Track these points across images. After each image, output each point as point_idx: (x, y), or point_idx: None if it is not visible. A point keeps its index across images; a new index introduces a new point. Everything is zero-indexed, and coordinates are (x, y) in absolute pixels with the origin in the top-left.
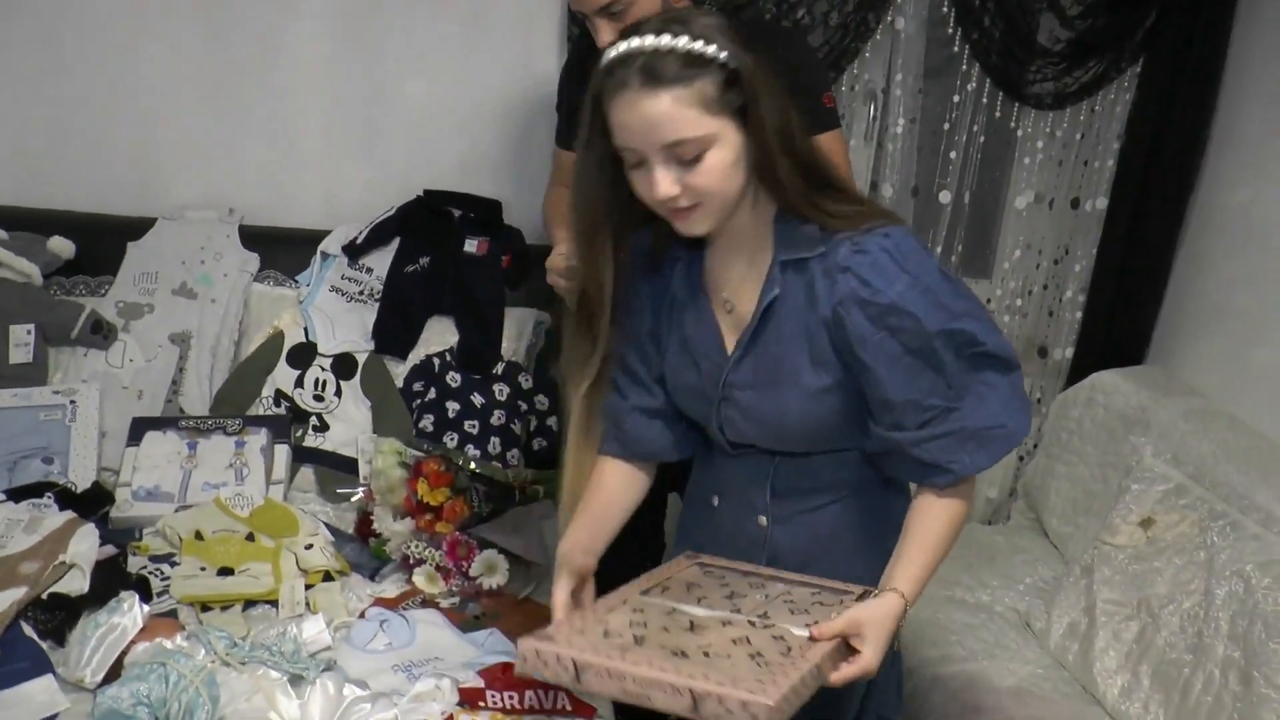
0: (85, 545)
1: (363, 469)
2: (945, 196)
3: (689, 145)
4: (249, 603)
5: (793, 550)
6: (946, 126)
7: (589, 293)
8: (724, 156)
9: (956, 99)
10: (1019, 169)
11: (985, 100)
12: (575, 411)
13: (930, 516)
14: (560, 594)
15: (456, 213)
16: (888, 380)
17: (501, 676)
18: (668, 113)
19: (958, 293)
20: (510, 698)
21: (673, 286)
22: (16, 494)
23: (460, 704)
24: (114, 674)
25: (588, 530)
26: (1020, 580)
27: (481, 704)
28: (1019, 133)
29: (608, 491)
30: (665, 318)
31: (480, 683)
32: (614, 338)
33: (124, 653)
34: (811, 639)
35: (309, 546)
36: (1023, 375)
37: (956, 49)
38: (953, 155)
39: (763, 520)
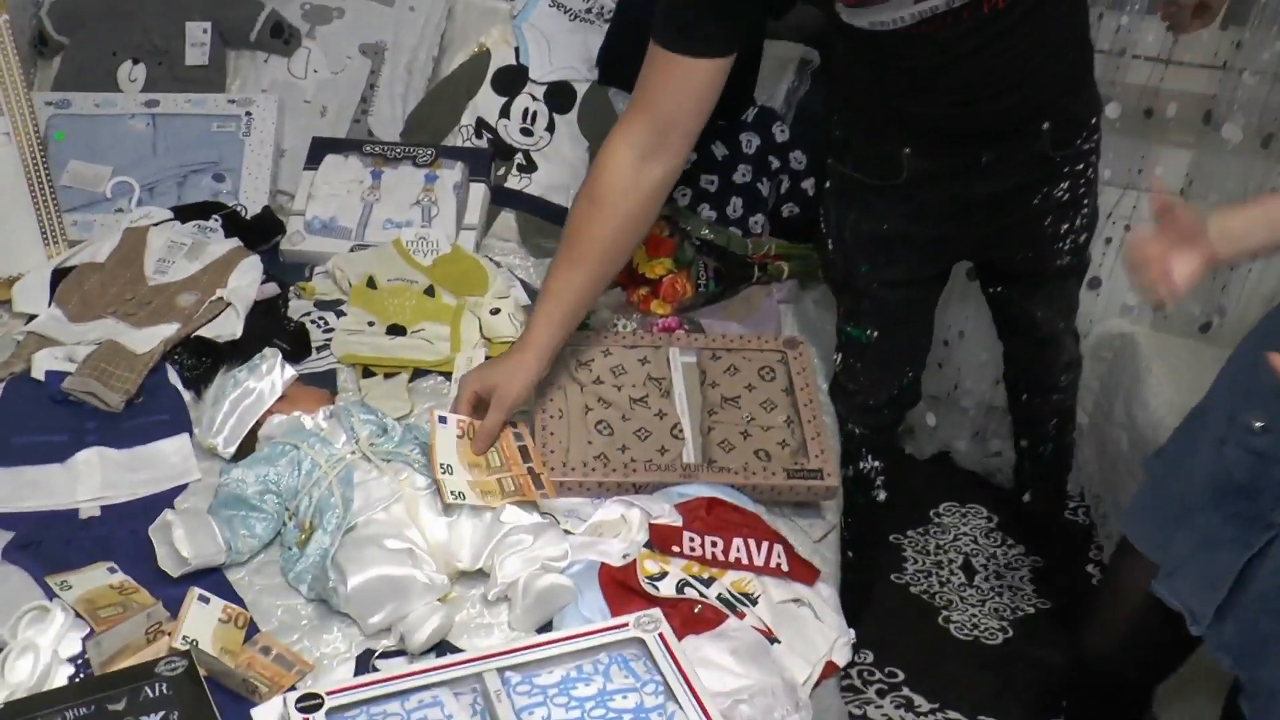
0: (246, 280)
1: None
2: None
3: None
4: (418, 372)
5: None
6: None
7: None
8: None
9: None
10: None
11: None
12: None
13: None
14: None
15: None
16: None
17: (705, 517)
18: None
19: None
20: (713, 545)
21: None
22: (184, 214)
23: (648, 545)
24: (249, 445)
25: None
26: None
27: (675, 549)
28: None
29: None
30: None
31: (678, 520)
32: None
33: (259, 423)
34: None
35: (495, 311)
36: None
37: None
38: None
39: None
